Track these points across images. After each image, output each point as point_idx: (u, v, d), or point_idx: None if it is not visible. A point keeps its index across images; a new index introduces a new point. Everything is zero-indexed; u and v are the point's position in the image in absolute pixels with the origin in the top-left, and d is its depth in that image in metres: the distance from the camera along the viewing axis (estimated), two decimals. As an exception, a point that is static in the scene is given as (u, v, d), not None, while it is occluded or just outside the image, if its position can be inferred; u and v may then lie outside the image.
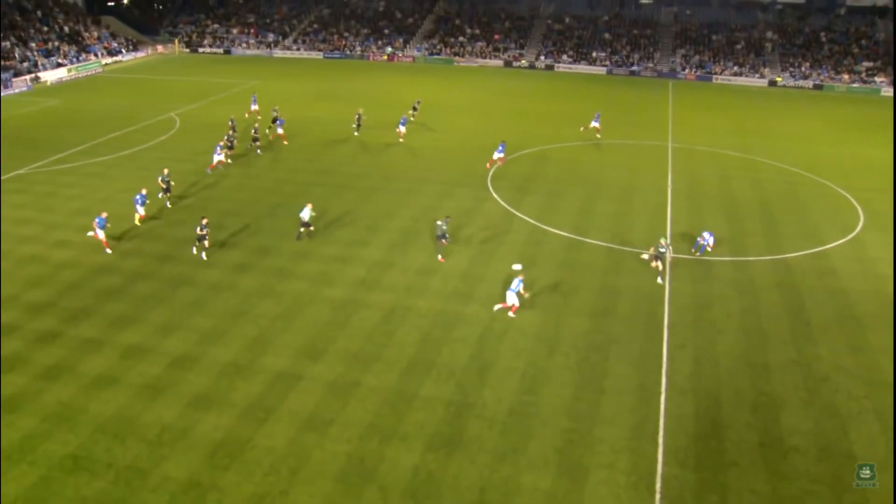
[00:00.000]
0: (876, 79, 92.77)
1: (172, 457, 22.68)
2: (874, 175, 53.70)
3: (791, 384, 27.64)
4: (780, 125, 69.32)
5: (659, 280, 34.54)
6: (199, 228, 35.80)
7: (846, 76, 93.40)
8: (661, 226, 41.43)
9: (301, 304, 31.95)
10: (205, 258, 35.63)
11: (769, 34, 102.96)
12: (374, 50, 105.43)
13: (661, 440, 24.14)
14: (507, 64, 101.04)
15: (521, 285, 30.81)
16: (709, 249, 37.48)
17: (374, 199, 44.07)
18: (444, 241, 36.47)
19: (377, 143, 56.99)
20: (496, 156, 49.78)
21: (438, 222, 36.89)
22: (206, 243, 35.92)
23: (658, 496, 21.87)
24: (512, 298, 31.02)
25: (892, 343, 30.53)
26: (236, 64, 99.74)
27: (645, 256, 35.45)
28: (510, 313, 31.44)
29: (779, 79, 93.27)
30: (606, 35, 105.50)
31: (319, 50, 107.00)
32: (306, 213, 37.77)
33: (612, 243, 38.91)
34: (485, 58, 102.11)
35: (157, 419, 24.34)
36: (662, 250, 34.62)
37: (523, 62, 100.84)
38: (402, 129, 56.80)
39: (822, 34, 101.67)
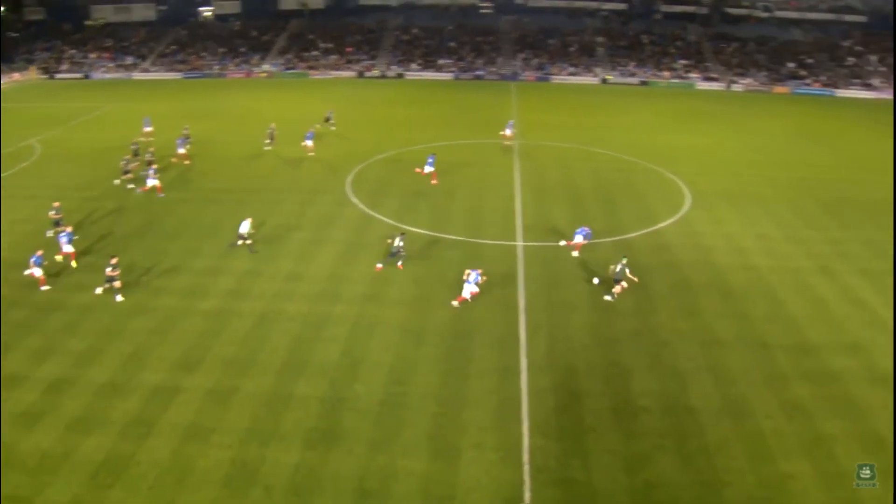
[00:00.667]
0: (691, 74, 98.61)
1: (55, 482, 21.87)
2: (696, 160, 57.38)
3: (637, 351, 29.35)
4: (613, 119, 72.75)
5: (607, 297, 33.85)
6: (108, 269, 32.60)
7: (667, 73, 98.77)
8: (511, 218, 42.87)
9: (174, 318, 31.31)
10: (119, 299, 32.80)
11: (598, 38, 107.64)
12: (233, 67, 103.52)
13: (524, 415, 25.07)
14: (360, 75, 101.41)
15: (479, 279, 32.06)
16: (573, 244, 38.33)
17: (241, 212, 43.44)
18: (394, 255, 35.95)
19: (241, 156, 56.10)
20: (427, 169, 48.89)
21: (393, 240, 36.41)
22: (118, 284, 32.87)
23: (526, 467, 22.75)
24: (468, 290, 32.06)
25: (724, 307, 32.84)
26: (96, 88, 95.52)
27: (596, 281, 35.15)
28: (454, 302, 32.50)
29: (609, 77, 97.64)
30: (452, 43, 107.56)
31: (178, 70, 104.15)
32: (245, 226, 37.51)
33: (467, 237, 39.97)
34: (338, 70, 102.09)
35: (36, 446, 23.39)
36: (619, 268, 33.47)
37: (375, 72, 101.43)
38: (310, 143, 55.49)
39: (644, 36, 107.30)
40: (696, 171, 53.98)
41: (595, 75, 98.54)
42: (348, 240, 39.59)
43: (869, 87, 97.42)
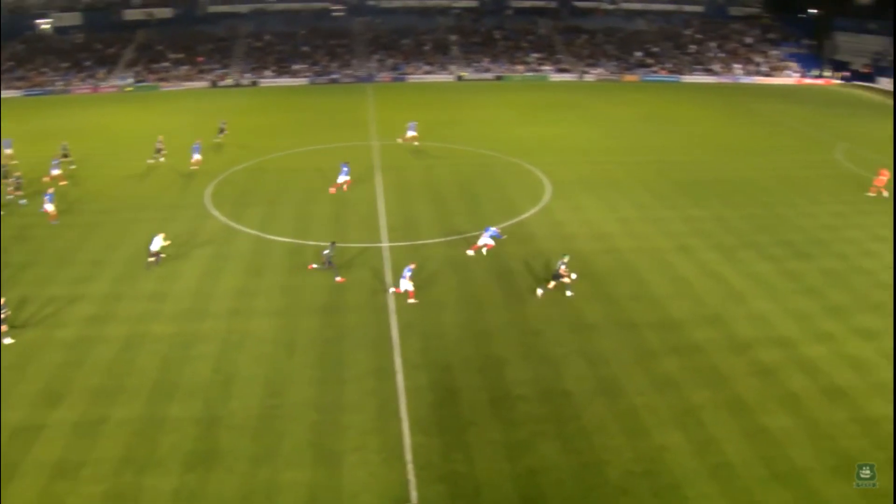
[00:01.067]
0: (544, 67, 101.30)
1: None
2: (553, 150, 59.00)
3: (510, 342, 29.87)
4: (471, 114, 73.79)
5: (539, 291, 34.17)
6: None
7: (520, 67, 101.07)
8: (374, 220, 42.75)
9: (32, 350, 29.51)
10: (8, 342, 30.04)
11: (451, 36, 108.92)
12: (78, 82, 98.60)
13: (404, 415, 25.07)
14: (213, 84, 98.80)
15: (410, 273, 32.64)
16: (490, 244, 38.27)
17: (96, 233, 41.47)
18: (329, 265, 35.40)
19: (92, 175, 53.39)
20: (341, 179, 47.82)
21: (325, 252, 35.72)
22: (4, 327, 30.09)
23: (410, 466, 22.74)
24: (405, 285, 32.53)
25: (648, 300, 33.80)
26: None
27: (539, 292, 34.62)
28: (409, 300, 32.71)
29: (464, 74, 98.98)
30: (305, 48, 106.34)
31: (17, 88, 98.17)
32: (157, 243, 36.43)
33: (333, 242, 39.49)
34: (190, 80, 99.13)
35: None
36: (562, 267, 33.79)
37: (228, 81, 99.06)
38: (198, 156, 53.31)
39: (496, 32, 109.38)
40: (555, 160, 55.48)
41: (450, 73, 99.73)
42: (211, 254, 38.46)
43: (710, 72, 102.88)
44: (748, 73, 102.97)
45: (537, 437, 24.16)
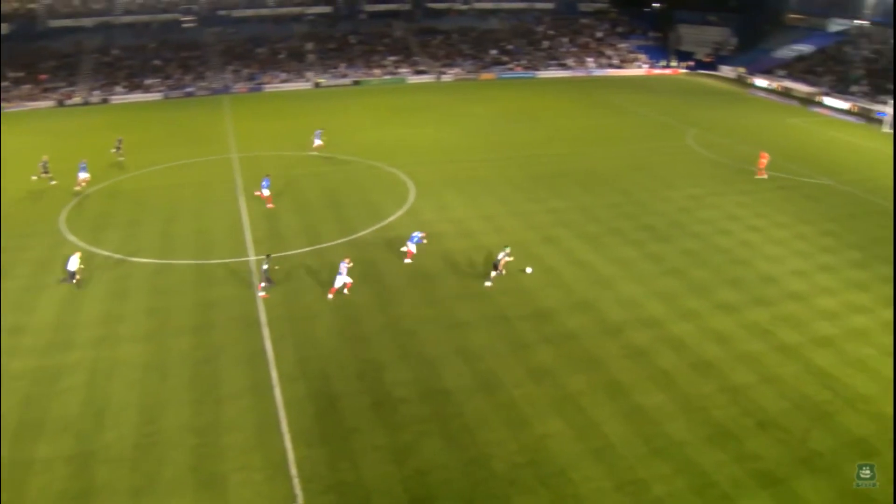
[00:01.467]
0: (401, 69, 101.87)
1: None
2: (415, 151, 59.39)
3: (386, 345, 29.91)
4: (331, 121, 73.00)
5: (487, 283, 35.15)
6: None
7: (377, 70, 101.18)
8: (239, 234, 41.77)
9: None
10: None
11: (307, 43, 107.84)
12: None
13: (284, 429, 24.71)
14: (60, 103, 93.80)
15: (346, 268, 33.57)
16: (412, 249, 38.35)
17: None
18: (266, 282, 34.40)
19: None
20: (264, 192, 46.22)
21: (264, 267, 34.50)
22: None
23: (296, 480, 22.46)
24: (341, 280, 33.47)
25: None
26: None
27: (488, 284, 35.24)
28: (345, 290, 33.78)
29: (321, 80, 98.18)
30: (157, 62, 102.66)
31: None
32: (74, 262, 35.14)
33: (197, 259, 38.42)
34: (34, 100, 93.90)
35: None
36: (501, 256, 35.23)
37: (76, 99, 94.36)
38: (85, 175, 49.97)
39: (352, 37, 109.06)
40: (417, 161, 55.81)
41: (307, 80, 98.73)
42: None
43: (565, 66, 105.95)
44: (600, 66, 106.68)
45: (422, 438, 24.30)
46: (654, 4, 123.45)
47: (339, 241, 40.37)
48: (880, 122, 75.50)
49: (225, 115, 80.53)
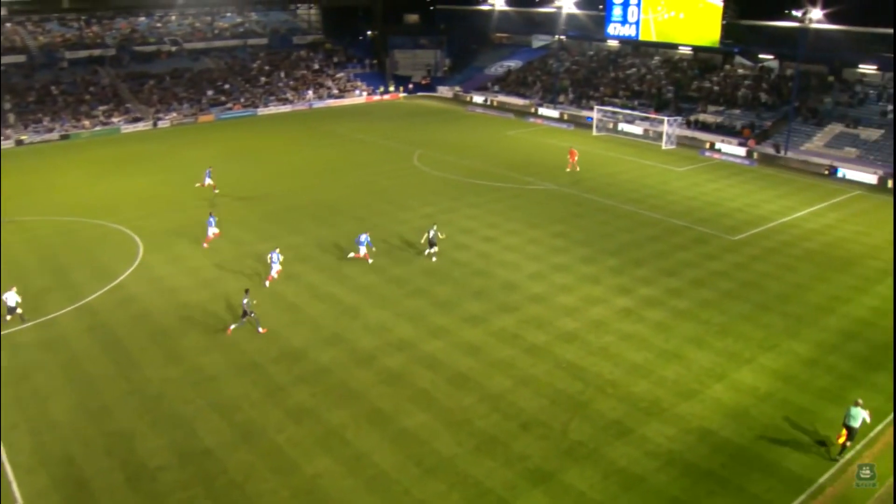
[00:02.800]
0: (113, 119, 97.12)
1: None
2: (139, 203, 56.50)
3: (133, 413, 28.46)
4: (42, 181, 67.76)
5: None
6: None
7: (87, 122, 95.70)
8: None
9: None
10: None
11: (4, 96, 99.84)
12: None
13: (28, 528, 22.76)
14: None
15: (278, 257, 38.92)
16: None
17: None
18: (247, 315, 34.18)
19: None
20: (210, 233, 46.19)
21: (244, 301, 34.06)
22: None
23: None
24: (275, 269, 38.65)
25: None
26: None
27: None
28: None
29: (24, 137, 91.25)
30: None
31: None
32: (11, 298, 35.32)
33: None
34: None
35: None
36: (432, 233, 42.33)
37: None
38: None
39: (53, 87, 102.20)
40: (142, 214, 53.37)
41: (8, 138, 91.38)
42: None
43: (285, 101, 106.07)
44: (320, 98, 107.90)
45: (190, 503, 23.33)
46: (368, 33, 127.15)
47: (67, 308, 37.74)
48: (589, 126, 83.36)
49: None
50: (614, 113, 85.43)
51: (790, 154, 70.74)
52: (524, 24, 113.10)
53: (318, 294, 38.54)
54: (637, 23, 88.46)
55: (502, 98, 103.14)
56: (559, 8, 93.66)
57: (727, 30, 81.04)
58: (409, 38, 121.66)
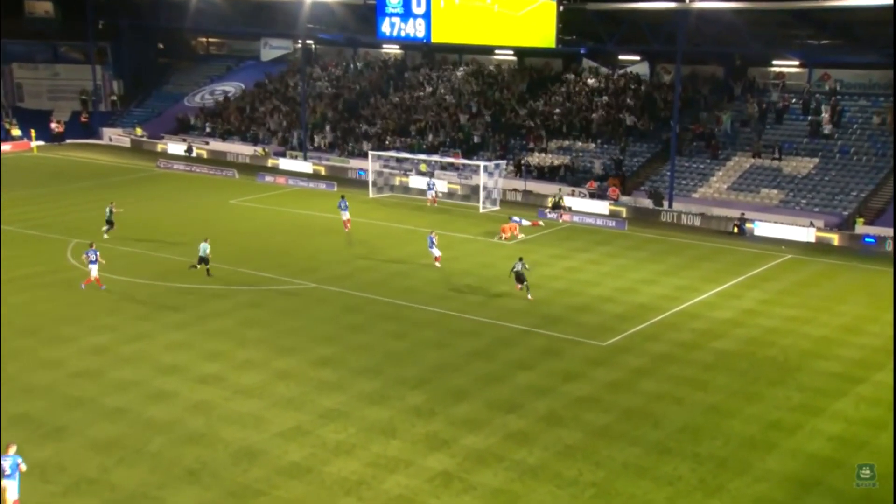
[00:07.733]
0: None
1: None
2: None
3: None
4: None
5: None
6: None
7: None
8: None
9: None
10: None
11: None
12: None
13: None
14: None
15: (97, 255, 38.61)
16: None
17: None
18: None
19: None
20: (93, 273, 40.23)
21: None
22: None
23: None
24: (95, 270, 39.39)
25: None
26: None
27: None
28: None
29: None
30: None
31: None
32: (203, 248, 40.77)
33: None
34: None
35: None
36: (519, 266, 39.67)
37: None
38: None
39: None
40: None
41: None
42: None
43: None
44: None
45: None
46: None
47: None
48: (364, 183, 66.80)
49: None
50: (400, 160, 65.41)
51: (677, 205, 54.91)
52: (246, 20, 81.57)
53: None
54: (427, 16, 63.41)
55: (217, 145, 78.42)
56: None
57: (567, 20, 58.51)
58: (41, 45, 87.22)
